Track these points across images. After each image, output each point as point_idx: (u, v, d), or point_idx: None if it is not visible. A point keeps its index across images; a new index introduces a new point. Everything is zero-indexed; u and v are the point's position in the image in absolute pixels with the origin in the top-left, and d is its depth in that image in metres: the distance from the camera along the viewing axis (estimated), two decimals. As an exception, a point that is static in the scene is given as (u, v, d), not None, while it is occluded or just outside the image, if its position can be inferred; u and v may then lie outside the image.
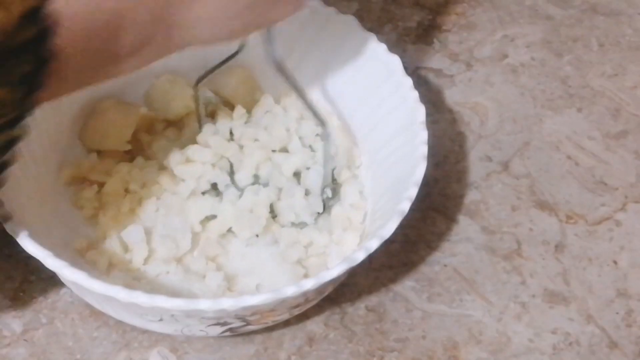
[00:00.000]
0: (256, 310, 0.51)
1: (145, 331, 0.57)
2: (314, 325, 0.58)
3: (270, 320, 0.54)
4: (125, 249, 0.58)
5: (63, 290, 0.58)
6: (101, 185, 0.61)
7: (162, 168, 0.62)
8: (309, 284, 0.50)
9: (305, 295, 0.51)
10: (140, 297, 0.48)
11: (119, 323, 0.56)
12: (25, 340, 0.56)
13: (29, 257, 0.50)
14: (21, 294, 0.58)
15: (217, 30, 0.46)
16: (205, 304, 0.48)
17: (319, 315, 0.59)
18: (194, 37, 0.46)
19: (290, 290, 0.49)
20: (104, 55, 0.43)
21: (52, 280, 0.58)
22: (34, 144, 0.57)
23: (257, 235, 0.60)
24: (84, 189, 0.61)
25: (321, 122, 0.60)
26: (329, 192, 0.62)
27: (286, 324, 0.57)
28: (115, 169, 0.61)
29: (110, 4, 0.41)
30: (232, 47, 0.59)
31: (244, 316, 0.51)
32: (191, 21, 0.44)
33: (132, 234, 0.58)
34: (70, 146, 0.63)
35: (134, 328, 0.56)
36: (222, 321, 0.52)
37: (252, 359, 0.57)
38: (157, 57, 0.46)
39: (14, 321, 0.57)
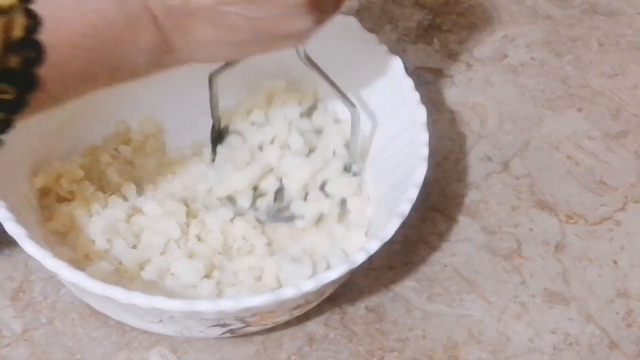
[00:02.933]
0: (256, 312, 0.51)
1: (145, 331, 0.56)
2: (314, 325, 0.58)
3: (270, 322, 0.54)
4: (119, 262, 0.58)
5: (63, 291, 0.58)
6: (68, 200, 0.60)
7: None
8: (309, 286, 0.50)
9: (305, 297, 0.51)
10: (139, 298, 0.48)
11: (119, 323, 0.56)
12: (25, 340, 0.56)
13: (29, 258, 0.50)
14: (21, 294, 0.58)
15: (218, 53, 0.47)
16: (204, 305, 0.48)
17: (319, 316, 0.59)
18: (196, 57, 0.47)
19: (290, 292, 0.49)
20: (97, 73, 0.44)
21: (52, 281, 0.59)
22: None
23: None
24: (57, 205, 0.60)
25: (351, 104, 0.60)
26: (356, 168, 0.62)
27: (286, 324, 0.57)
28: (78, 188, 0.60)
29: (107, 34, 0.42)
30: None
31: (243, 317, 0.51)
32: (192, 44, 0.45)
33: (118, 247, 0.58)
34: (46, 152, 0.61)
35: (134, 328, 0.56)
36: (221, 322, 0.52)
37: (252, 359, 0.57)
38: (158, 71, 0.47)
39: (14, 321, 0.57)
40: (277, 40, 0.46)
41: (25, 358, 0.56)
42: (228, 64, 0.60)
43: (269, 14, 0.44)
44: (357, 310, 0.59)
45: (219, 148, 0.63)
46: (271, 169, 0.61)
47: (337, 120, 0.65)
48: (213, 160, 0.63)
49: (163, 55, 0.45)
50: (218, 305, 0.48)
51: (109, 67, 0.44)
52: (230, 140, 0.63)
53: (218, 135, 0.63)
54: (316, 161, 0.61)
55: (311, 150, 0.62)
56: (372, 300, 0.60)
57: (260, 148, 0.62)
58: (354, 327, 0.59)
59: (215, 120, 0.63)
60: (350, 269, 0.51)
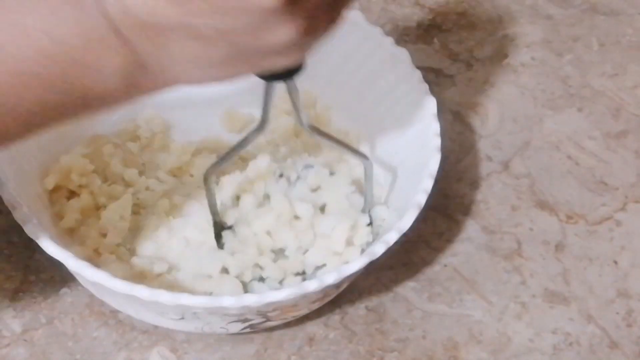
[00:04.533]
0: (278, 306, 0.51)
1: (145, 331, 0.57)
2: (314, 325, 0.58)
3: (290, 316, 0.54)
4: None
5: (63, 291, 0.58)
6: (77, 195, 0.60)
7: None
8: (331, 279, 0.50)
9: (326, 290, 0.52)
10: (163, 296, 0.48)
11: (119, 323, 0.56)
12: (24, 340, 0.56)
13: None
14: (21, 294, 0.58)
15: (200, 73, 0.42)
16: (228, 301, 0.48)
17: (319, 316, 0.59)
18: (178, 78, 0.42)
19: (313, 285, 0.49)
20: (56, 104, 0.40)
21: (51, 281, 0.59)
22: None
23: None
24: (66, 202, 0.59)
25: (363, 157, 0.58)
26: (375, 213, 0.60)
27: (286, 324, 0.57)
28: (86, 181, 0.60)
29: (60, 57, 0.38)
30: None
31: (265, 312, 0.52)
32: (169, 63, 0.40)
33: (144, 247, 0.58)
34: (54, 150, 0.61)
35: (134, 328, 0.57)
36: (243, 318, 0.52)
37: (252, 359, 0.57)
38: (137, 96, 0.42)
39: (14, 321, 0.57)
40: (261, 56, 0.41)
41: (25, 358, 0.56)
42: (222, 159, 0.56)
43: (242, 23, 0.38)
44: (357, 310, 0.59)
45: (225, 234, 0.59)
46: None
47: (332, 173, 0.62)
48: (221, 247, 0.59)
49: (137, 77, 0.40)
50: (242, 300, 0.48)
51: (72, 96, 0.39)
52: (236, 229, 0.59)
53: (221, 229, 0.59)
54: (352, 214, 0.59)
55: (321, 209, 0.60)
56: (372, 300, 0.60)
57: (269, 233, 0.58)
58: (354, 327, 0.59)
59: (216, 216, 0.58)
60: (371, 260, 0.51)
